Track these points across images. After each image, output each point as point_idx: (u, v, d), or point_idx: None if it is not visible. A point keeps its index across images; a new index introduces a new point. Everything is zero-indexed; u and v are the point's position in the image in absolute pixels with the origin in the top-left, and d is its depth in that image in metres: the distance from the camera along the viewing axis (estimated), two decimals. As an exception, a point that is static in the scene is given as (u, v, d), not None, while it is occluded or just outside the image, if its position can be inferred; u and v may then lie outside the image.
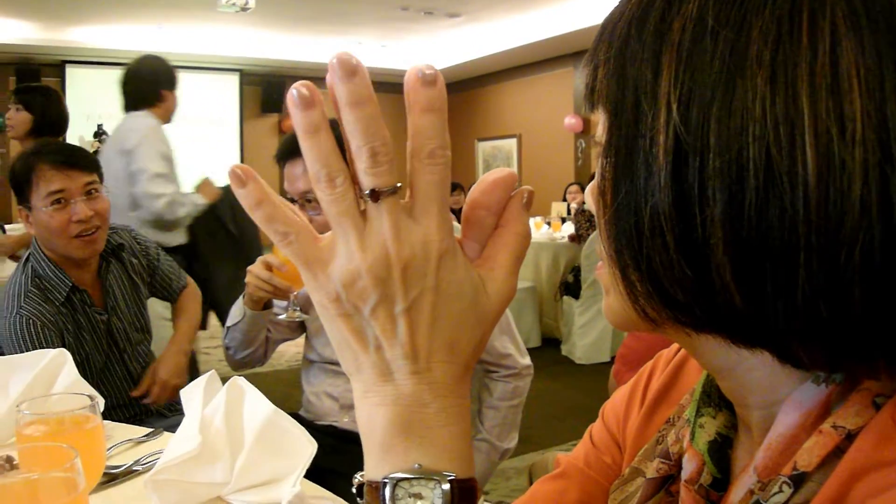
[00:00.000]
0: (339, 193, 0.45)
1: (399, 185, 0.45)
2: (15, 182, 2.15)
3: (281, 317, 2.04)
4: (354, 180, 0.46)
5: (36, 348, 1.96)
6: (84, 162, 2.20)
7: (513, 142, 12.35)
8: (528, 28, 9.96)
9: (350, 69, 0.44)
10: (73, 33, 10.08)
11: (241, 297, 2.03)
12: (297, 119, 0.45)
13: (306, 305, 2.07)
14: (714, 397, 0.62)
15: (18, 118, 3.53)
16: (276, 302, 2.05)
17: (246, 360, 2.13)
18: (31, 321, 2.06)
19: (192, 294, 2.64)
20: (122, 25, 9.71)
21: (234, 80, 12.33)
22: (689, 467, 0.61)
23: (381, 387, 0.48)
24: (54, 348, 1.52)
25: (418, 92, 0.45)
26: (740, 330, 0.48)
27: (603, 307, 0.59)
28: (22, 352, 1.89)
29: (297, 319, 2.05)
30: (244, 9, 7.73)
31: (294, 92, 0.45)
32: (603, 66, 0.51)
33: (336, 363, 2.09)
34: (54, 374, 1.46)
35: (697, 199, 0.44)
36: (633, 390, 0.81)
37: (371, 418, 0.49)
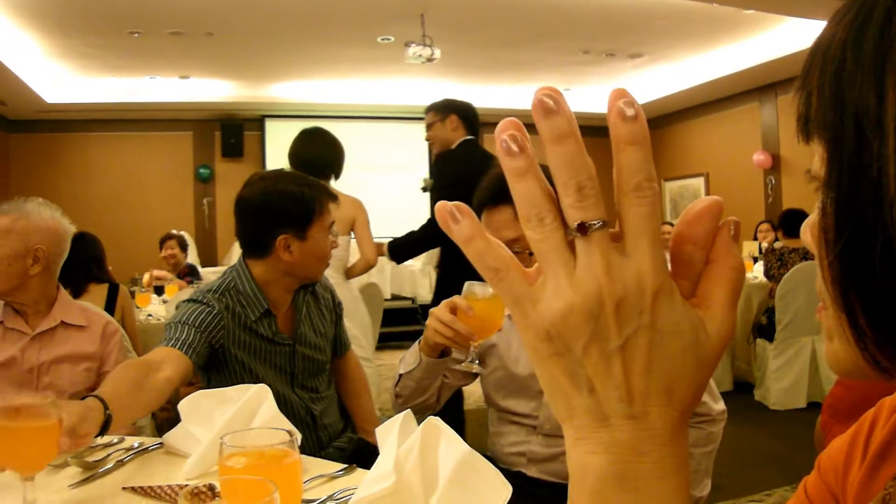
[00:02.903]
0: (547, 231, 0.44)
1: (606, 220, 0.44)
2: (294, 210, 2.22)
3: (457, 365, 1.93)
4: (562, 218, 0.45)
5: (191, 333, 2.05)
6: None
7: (700, 180, 11.99)
8: (711, 65, 9.72)
9: (548, 108, 0.43)
10: (271, 90, 10.83)
11: (416, 343, 1.96)
12: (506, 164, 0.45)
13: (484, 358, 2.05)
14: None
15: None
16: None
17: (417, 408, 2.00)
18: (204, 312, 2.12)
19: (362, 375, 2.71)
20: (315, 81, 10.31)
21: (421, 128, 12.71)
22: None
23: (595, 433, 0.46)
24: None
25: (619, 127, 0.43)
26: None
27: (825, 354, 0.54)
28: (182, 326, 2.05)
29: (474, 372, 1.88)
30: (430, 60, 7.97)
31: (503, 141, 0.44)
32: (816, 94, 0.47)
33: (516, 413, 2.06)
34: (255, 408, 1.53)
35: None
36: (853, 441, 0.74)
37: (583, 467, 0.46)
